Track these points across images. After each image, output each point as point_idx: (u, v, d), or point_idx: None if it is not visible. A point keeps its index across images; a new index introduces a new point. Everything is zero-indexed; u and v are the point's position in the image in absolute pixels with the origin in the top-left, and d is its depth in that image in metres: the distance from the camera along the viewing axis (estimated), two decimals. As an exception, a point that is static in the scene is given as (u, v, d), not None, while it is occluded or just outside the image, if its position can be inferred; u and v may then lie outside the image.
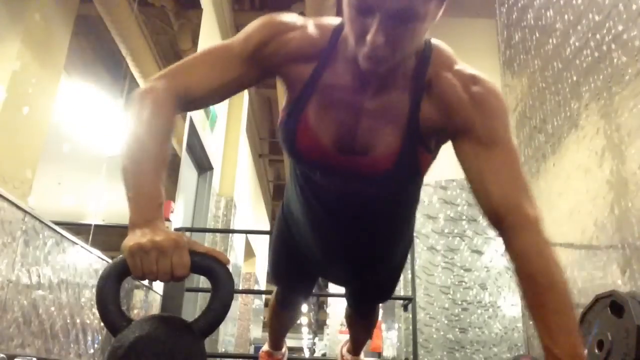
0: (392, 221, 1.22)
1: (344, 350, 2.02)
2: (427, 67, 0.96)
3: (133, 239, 0.80)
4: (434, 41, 0.99)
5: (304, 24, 1.01)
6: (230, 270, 0.88)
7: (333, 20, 1.03)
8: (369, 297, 1.57)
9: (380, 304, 2.10)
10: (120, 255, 0.83)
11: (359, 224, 1.16)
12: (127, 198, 0.86)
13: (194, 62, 1.01)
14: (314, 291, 1.82)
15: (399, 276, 1.50)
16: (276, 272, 1.55)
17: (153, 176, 0.87)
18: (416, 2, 0.81)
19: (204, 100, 1.01)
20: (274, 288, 1.67)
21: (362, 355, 2.01)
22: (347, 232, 1.18)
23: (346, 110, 0.99)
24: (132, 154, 0.89)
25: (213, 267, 0.85)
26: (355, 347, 1.96)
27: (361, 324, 1.78)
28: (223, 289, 0.84)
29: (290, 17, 1.02)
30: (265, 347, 1.98)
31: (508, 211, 0.91)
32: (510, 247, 0.91)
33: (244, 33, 1.02)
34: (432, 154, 1.03)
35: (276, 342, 1.93)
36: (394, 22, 0.82)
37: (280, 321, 1.80)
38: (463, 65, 0.98)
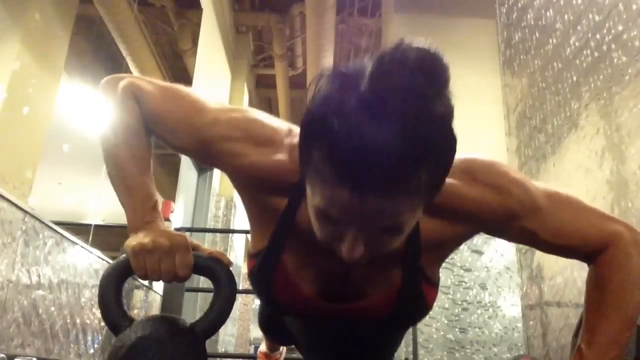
0: (384, 349, 1.12)
1: None
2: None
3: (136, 239, 0.80)
4: None
5: (276, 141, 0.82)
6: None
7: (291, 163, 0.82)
8: None
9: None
10: (123, 255, 0.83)
11: (345, 355, 1.05)
12: (121, 203, 0.85)
13: (159, 96, 0.88)
14: None
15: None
16: (262, 324, 1.44)
17: (139, 178, 0.85)
18: (401, 217, 0.65)
19: (162, 141, 0.91)
20: None
21: None
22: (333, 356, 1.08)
23: (331, 257, 0.74)
24: (112, 159, 0.86)
25: (215, 268, 0.84)
26: None
27: None
28: (225, 290, 0.84)
29: (266, 129, 0.83)
30: (263, 348, 1.98)
31: (592, 245, 0.84)
32: (595, 266, 0.85)
33: (217, 116, 0.84)
34: (435, 285, 0.92)
35: (272, 345, 1.94)
36: (374, 233, 0.66)
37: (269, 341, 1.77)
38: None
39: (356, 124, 0.57)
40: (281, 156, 0.80)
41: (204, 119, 0.84)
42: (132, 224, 0.83)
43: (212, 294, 0.86)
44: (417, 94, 0.59)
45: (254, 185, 0.84)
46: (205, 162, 0.89)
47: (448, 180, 0.74)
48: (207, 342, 0.84)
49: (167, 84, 0.93)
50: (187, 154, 0.94)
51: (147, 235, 0.80)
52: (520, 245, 2.34)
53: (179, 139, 0.87)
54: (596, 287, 0.84)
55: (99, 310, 0.85)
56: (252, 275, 0.91)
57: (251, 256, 0.92)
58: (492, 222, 0.84)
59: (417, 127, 0.58)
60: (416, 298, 0.87)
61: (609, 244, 0.83)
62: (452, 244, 0.89)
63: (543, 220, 0.82)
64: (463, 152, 0.81)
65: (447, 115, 0.62)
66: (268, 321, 1.37)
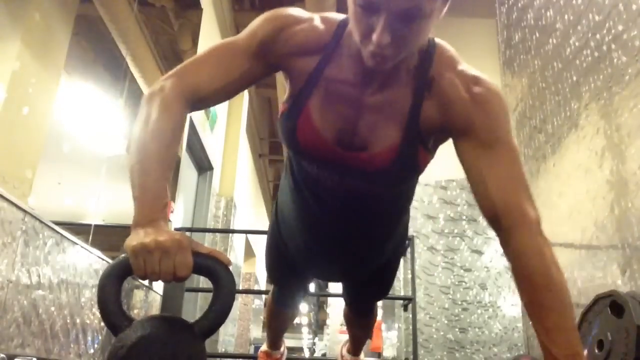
0: (385, 217, 1.22)
1: (344, 350, 2.02)
2: (430, 66, 0.96)
3: (136, 238, 0.80)
4: (438, 40, 0.99)
5: (308, 17, 1.02)
6: (231, 270, 0.88)
7: (338, 16, 1.03)
8: (366, 295, 1.57)
9: (380, 304, 2.09)
10: (123, 255, 0.83)
11: (352, 218, 1.16)
12: (133, 197, 0.86)
13: (200, 61, 1.01)
14: (314, 291, 1.83)
15: (393, 274, 1.50)
16: (271, 273, 1.56)
17: (158, 176, 0.87)
18: (422, 1, 0.81)
19: (212, 98, 1.01)
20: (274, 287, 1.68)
21: (362, 355, 2.01)
22: (340, 227, 1.18)
23: (347, 105, 0.98)
24: (138, 154, 0.89)
25: (215, 268, 0.84)
26: (354, 347, 1.96)
27: (359, 323, 1.78)
28: (225, 290, 0.84)
29: (294, 11, 1.02)
30: (264, 347, 1.98)
31: (507, 211, 0.91)
32: (508, 247, 0.92)
33: (249, 29, 1.03)
34: (431, 152, 1.03)
35: (274, 341, 1.94)
36: (400, 21, 0.82)
37: (277, 320, 1.80)
38: (466, 66, 0.98)
39: None
40: (314, 23, 1.00)
41: (243, 35, 1.02)
42: (136, 219, 0.84)
43: (212, 294, 0.86)
44: None
45: (297, 52, 0.99)
46: (259, 71, 1.02)
47: (460, 78, 0.95)
48: (207, 342, 0.84)
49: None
50: (236, 82, 1.01)
51: (148, 234, 0.80)
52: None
53: (231, 64, 0.99)
54: (527, 283, 0.88)
55: (99, 310, 0.85)
56: (282, 117, 1.04)
57: (284, 102, 1.05)
58: (462, 126, 0.95)
59: None
60: (410, 156, 0.99)
61: (520, 224, 0.90)
62: (444, 131, 0.99)
63: (494, 159, 0.93)
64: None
65: None
66: (277, 252, 1.44)
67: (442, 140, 1.03)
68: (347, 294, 1.62)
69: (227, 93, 1.02)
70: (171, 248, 0.79)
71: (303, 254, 1.32)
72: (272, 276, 1.57)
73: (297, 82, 1.02)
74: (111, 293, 0.83)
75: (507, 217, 0.91)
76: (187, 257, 0.81)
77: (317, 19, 1.01)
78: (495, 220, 0.93)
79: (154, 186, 0.86)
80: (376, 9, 0.82)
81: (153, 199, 0.85)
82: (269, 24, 1.01)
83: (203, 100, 1.00)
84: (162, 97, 0.94)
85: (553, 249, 0.89)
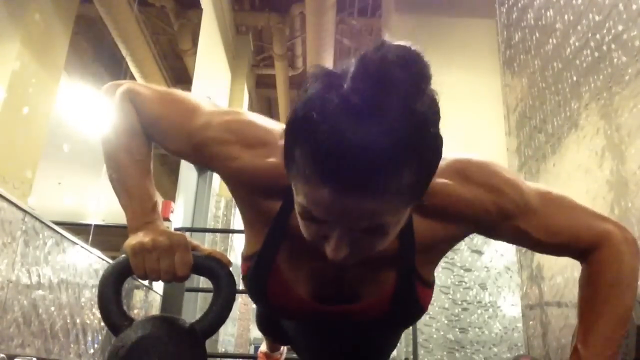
0: (383, 348, 1.12)
1: None
2: None
3: (135, 238, 0.81)
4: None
5: (269, 142, 0.81)
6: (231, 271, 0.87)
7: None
8: None
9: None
10: (123, 255, 0.83)
11: (338, 353, 1.05)
12: (121, 206, 0.86)
13: (165, 115, 0.89)
14: None
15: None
16: (259, 324, 1.46)
17: (137, 181, 0.86)
18: (385, 217, 0.64)
19: (157, 143, 0.92)
20: None
21: None
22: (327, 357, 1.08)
23: (324, 260, 0.73)
24: (112, 164, 0.88)
25: (215, 268, 0.85)
26: None
27: None
28: (225, 291, 0.84)
29: (259, 131, 0.83)
30: (263, 348, 1.98)
31: (584, 244, 0.86)
32: (587, 265, 0.86)
33: (209, 126, 0.84)
34: (431, 286, 0.92)
35: (272, 346, 1.94)
36: (359, 234, 0.66)
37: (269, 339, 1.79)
38: (444, 164, 0.77)
39: (337, 123, 0.57)
40: (274, 158, 0.79)
41: (197, 122, 0.84)
42: (131, 225, 0.84)
43: (212, 294, 0.86)
44: (398, 92, 0.59)
45: (248, 189, 0.84)
46: (200, 165, 0.91)
47: (441, 180, 0.77)
48: (207, 342, 0.84)
49: (164, 88, 0.94)
50: (182, 158, 0.95)
51: (147, 234, 0.81)
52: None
53: (174, 142, 0.89)
54: (589, 285, 0.85)
55: (99, 311, 0.85)
56: (246, 278, 0.91)
57: (245, 259, 0.93)
58: (484, 222, 0.83)
59: (399, 127, 0.58)
60: (411, 300, 0.87)
61: (601, 243, 0.84)
62: (445, 245, 0.88)
63: (536, 220, 0.83)
64: (460, 152, 0.83)
65: (431, 114, 0.62)
66: (266, 322, 1.37)
67: (444, 253, 0.91)
68: None
69: (163, 147, 0.92)
70: (170, 247, 0.79)
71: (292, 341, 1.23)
72: (260, 324, 1.47)
73: (258, 228, 0.86)
74: (111, 293, 0.83)
75: (587, 246, 0.86)
76: (187, 256, 0.80)
77: (277, 149, 0.76)
78: (578, 254, 0.87)
79: (137, 192, 0.86)
80: (326, 223, 0.66)
81: (140, 203, 0.85)
82: (226, 139, 0.82)
83: (149, 137, 0.92)
84: (132, 100, 0.90)
85: (634, 262, 0.85)
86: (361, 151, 0.57)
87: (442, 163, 0.73)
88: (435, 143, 0.63)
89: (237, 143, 0.82)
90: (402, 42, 0.62)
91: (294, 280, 0.87)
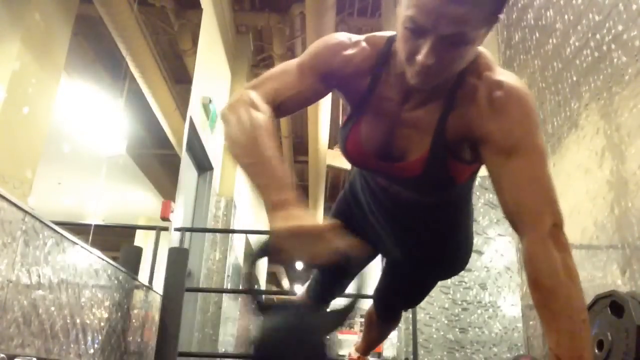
0: (432, 224, 1.29)
1: (354, 350, 2.03)
2: (464, 79, 0.99)
3: (282, 221, 0.83)
4: (480, 50, 0.99)
5: (357, 41, 1.09)
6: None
7: (384, 34, 1.10)
8: (402, 297, 1.60)
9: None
10: (267, 237, 0.84)
11: (402, 222, 1.27)
12: (260, 188, 0.90)
13: (273, 74, 1.11)
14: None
15: (431, 286, 1.58)
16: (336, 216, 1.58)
17: (278, 161, 0.93)
18: (468, 28, 0.85)
19: (289, 104, 1.08)
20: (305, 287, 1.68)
21: (368, 357, 2.01)
22: (394, 226, 1.30)
23: (388, 120, 1.07)
24: (250, 150, 0.94)
25: (353, 257, 0.86)
26: (366, 347, 1.96)
27: (381, 328, 1.80)
28: (362, 277, 0.91)
29: (344, 37, 1.10)
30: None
31: (520, 217, 0.93)
32: (523, 251, 0.93)
33: (310, 53, 1.11)
34: (467, 163, 1.06)
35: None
36: (445, 45, 0.86)
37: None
38: (496, 70, 0.99)
39: None
40: (362, 46, 1.07)
41: (305, 58, 1.10)
42: (274, 201, 0.87)
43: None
44: None
45: (351, 76, 1.07)
46: (321, 86, 1.10)
47: (479, 87, 0.96)
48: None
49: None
50: (307, 93, 1.10)
51: (293, 218, 0.83)
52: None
53: (299, 80, 1.07)
54: (531, 283, 0.90)
55: (247, 292, 0.86)
56: (341, 127, 1.16)
57: (345, 116, 1.20)
58: (490, 134, 0.96)
59: None
60: (439, 166, 1.03)
61: (536, 230, 0.90)
62: (475, 136, 1.00)
63: (518, 167, 0.93)
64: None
65: None
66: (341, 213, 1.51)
67: (474, 148, 1.03)
68: (383, 296, 1.64)
69: (300, 101, 1.10)
70: (318, 234, 0.83)
71: (367, 222, 1.39)
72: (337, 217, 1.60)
73: (352, 101, 1.12)
74: (255, 274, 0.85)
75: (521, 222, 0.92)
76: (330, 244, 0.84)
77: (364, 42, 1.09)
78: (513, 226, 0.95)
79: (279, 169, 0.91)
80: (423, 33, 0.86)
81: (282, 179, 0.90)
82: (325, 52, 1.09)
83: (281, 105, 1.06)
84: (246, 101, 1.01)
85: (568, 254, 0.88)
86: None
87: (496, 70, 0.98)
88: None
89: (337, 55, 1.07)
90: None
91: (364, 138, 1.10)
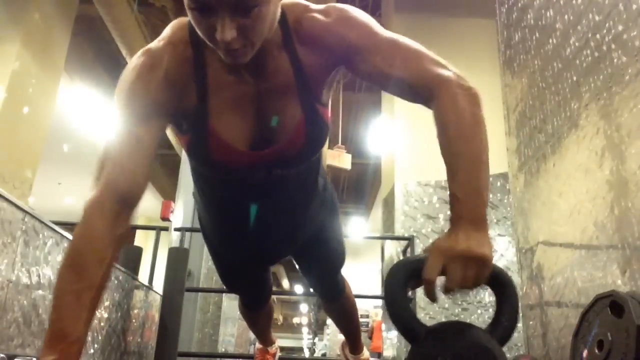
0: (302, 189, 1.23)
1: (346, 351, 2.02)
2: (289, 27, 0.98)
3: (448, 242, 0.82)
4: (285, 3, 1.00)
5: (159, 48, 0.98)
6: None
7: (184, 20, 1.00)
8: (320, 268, 1.58)
9: (380, 304, 2.09)
10: (413, 256, 0.82)
11: (274, 203, 1.17)
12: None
13: (109, 154, 0.96)
14: (314, 291, 1.83)
15: (334, 238, 1.51)
16: (225, 281, 1.60)
17: (70, 310, 0.83)
18: None
19: (140, 179, 0.96)
20: None
21: (364, 351, 2.00)
22: (265, 214, 1.19)
23: (241, 103, 0.99)
24: (56, 286, 0.86)
25: (502, 278, 0.84)
26: (352, 343, 1.95)
27: (338, 310, 1.78)
28: (513, 298, 0.84)
29: (143, 58, 0.98)
30: (258, 345, 2.01)
31: (422, 83, 0.95)
32: (433, 113, 0.95)
33: (123, 105, 0.97)
34: (327, 105, 1.06)
35: (264, 339, 1.97)
36: (239, 14, 0.81)
37: (256, 322, 1.82)
38: (313, 5, 1.01)
39: None
40: (167, 49, 0.97)
41: (122, 110, 1.01)
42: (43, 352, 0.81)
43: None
44: None
45: (173, 85, 0.96)
46: (152, 128, 0.98)
47: (312, 14, 0.98)
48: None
49: None
50: (145, 154, 0.98)
51: (462, 240, 0.81)
52: (521, 245, 2.34)
53: (128, 155, 0.97)
54: (439, 135, 0.93)
55: (391, 317, 0.80)
56: (191, 148, 1.02)
57: (184, 134, 1.02)
58: (341, 50, 0.98)
59: None
60: (319, 122, 1.02)
61: (438, 88, 0.94)
62: (328, 71, 1.02)
63: (381, 54, 0.96)
64: None
65: None
66: (227, 271, 1.51)
67: (332, 82, 1.06)
68: (310, 281, 1.65)
69: (145, 166, 0.96)
70: (478, 258, 0.81)
71: (237, 246, 1.34)
72: (227, 283, 1.61)
73: (188, 107, 0.98)
74: (403, 295, 0.80)
75: (423, 87, 0.95)
76: (487, 270, 0.82)
77: (166, 43, 0.98)
78: (421, 98, 0.97)
79: (61, 322, 0.83)
80: (209, 9, 0.81)
81: (57, 336, 0.81)
82: (129, 87, 0.96)
83: (130, 190, 0.94)
84: (85, 214, 0.91)
85: (475, 108, 0.93)
86: None
87: (319, 5, 0.99)
88: None
89: (147, 76, 0.96)
90: None
91: (229, 136, 0.99)
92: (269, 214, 1.19)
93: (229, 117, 0.99)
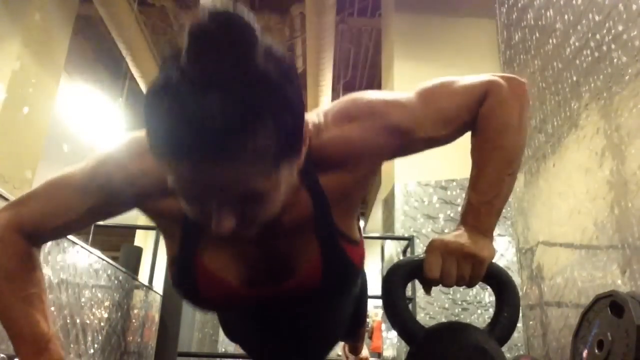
0: (335, 320, 1.13)
1: (347, 351, 2.03)
2: (310, 158, 0.76)
3: (442, 237, 0.80)
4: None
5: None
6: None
7: None
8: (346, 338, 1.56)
9: (380, 304, 2.10)
10: (411, 256, 0.81)
11: (293, 334, 1.02)
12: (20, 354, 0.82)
13: (46, 193, 0.86)
14: None
15: (361, 315, 1.43)
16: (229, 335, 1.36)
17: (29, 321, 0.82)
18: (256, 182, 0.63)
19: (56, 233, 0.89)
20: None
21: (365, 349, 2.01)
22: (282, 341, 1.04)
23: (242, 240, 0.76)
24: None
25: (502, 277, 0.84)
26: (352, 344, 1.97)
27: (352, 341, 1.80)
28: (513, 298, 0.83)
29: (129, 147, 0.81)
30: None
31: (474, 114, 0.86)
32: (478, 115, 0.86)
33: (98, 164, 0.83)
34: (358, 244, 0.88)
35: None
36: (238, 205, 0.65)
37: None
38: (321, 117, 0.81)
39: (179, 96, 0.58)
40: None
41: (80, 173, 0.85)
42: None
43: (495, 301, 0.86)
44: (230, 58, 0.59)
45: (148, 196, 0.80)
46: (110, 207, 0.85)
47: (331, 131, 0.78)
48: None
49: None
50: (82, 219, 0.86)
51: (459, 238, 0.80)
52: (521, 245, 2.34)
53: (66, 206, 0.85)
54: (479, 133, 0.86)
55: (389, 318, 0.78)
56: (175, 283, 0.87)
57: (170, 266, 0.87)
58: (387, 149, 0.82)
59: (237, 91, 0.58)
60: (341, 260, 0.84)
61: (486, 96, 0.85)
62: (357, 190, 0.85)
63: (429, 122, 0.83)
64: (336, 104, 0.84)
65: (276, 73, 0.61)
66: (232, 326, 1.27)
67: (360, 199, 0.89)
68: None
69: (72, 228, 0.88)
70: (472, 254, 0.79)
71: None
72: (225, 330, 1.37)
73: (173, 229, 0.83)
74: (401, 296, 0.79)
75: (477, 106, 0.86)
76: (483, 267, 0.81)
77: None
78: (475, 126, 0.87)
79: (29, 332, 0.82)
80: (202, 199, 0.65)
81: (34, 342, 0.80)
82: (125, 165, 0.80)
83: (43, 236, 0.88)
84: None
85: (520, 105, 0.87)
86: (205, 120, 0.57)
87: (329, 112, 0.80)
88: (287, 98, 0.63)
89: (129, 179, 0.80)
90: (220, 7, 0.61)
91: (222, 270, 0.83)
92: (295, 342, 1.04)
93: (221, 251, 0.83)
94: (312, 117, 0.80)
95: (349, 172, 0.80)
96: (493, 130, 0.85)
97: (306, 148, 0.71)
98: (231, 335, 1.27)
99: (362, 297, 1.35)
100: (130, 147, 0.81)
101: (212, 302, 0.88)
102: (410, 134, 0.81)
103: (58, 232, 0.88)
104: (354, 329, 1.58)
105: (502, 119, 0.85)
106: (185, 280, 0.84)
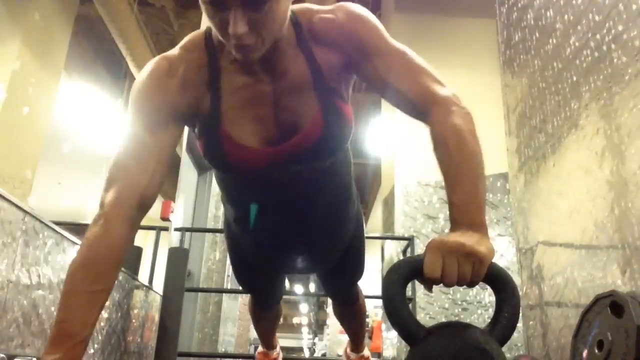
0: (331, 195, 1.21)
1: (348, 350, 2.03)
2: (302, 28, 1.01)
3: (442, 237, 0.82)
4: (295, 9, 1.03)
5: (175, 55, 1.02)
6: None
7: (201, 30, 1.05)
8: (340, 282, 1.59)
9: (380, 304, 2.10)
10: (410, 256, 0.82)
11: (299, 208, 1.15)
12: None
13: (120, 162, 0.95)
14: (313, 291, 1.84)
15: (359, 257, 1.50)
16: (240, 279, 1.58)
17: (67, 324, 0.87)
18: None
19: (153, 186, 0.96)
20: None
21: (365, 349, 2.01)
22: (290, 220, 1.17)
23: (256, 103, 1.01)
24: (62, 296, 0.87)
25: (502, 277, 0.84)
26: (355, 343, 1.96)
27: (348, 313, 1.79)
28: (513, 298, 0.83)
29: (159, 63, 1.01)
30: (260, 348, 2.00)
31: (418, 98, 0.98)
32: (430, 129, 0.97)
33: (137, 110, 0.99)
34: (348, 102, 1.07)
35: (267, 342, 1.96)
36: (250, 9, 0.85)
37: (263, 323, 1.82)
38: (322, 8, 1.04)
39: None
40: (182, 56, 1.01)
41: (134, 116, 1.02)
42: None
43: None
44: None
45: (187, 90, 0.99)
46: (167, 134, 1.00)
47: (324, 14, 1.02)
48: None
49: None
50: (164, 157, 1.02)
51: (458, 237, 0.82)
52: (521, 245, 2.34)
53: (140, 161, 0.98)
54: (439, 146, 0.95)
55: (389, 318, 0.78)
56: (206, 152, 1.03)
57: (199, 137, 1.04)
58: (353, 52, 1.01)
59: None
60: (337, 114, 1.02)
61: (437, 104, 0.96)
62: (345, 67, 1.04)
63: (388, 63, 1.00)
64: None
65: None
66: (242, 266, 1.49)
67: (350, 82, 1.08)
68: (325, 287, 1.65)
69: (162, 171, 0.98)
70: (472, 253, 0.80)
71: (262, 252, 1.33)
72: (241, 280, 1.59)
73: (203, 112, 1.01)
74: (401, 296, 0.79)
75: (421, 102, 0.98)
76: (484, 267, 0.82)
77: (182, 50, 1.03)
78: (416, 112, 1.00)
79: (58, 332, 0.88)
80: (223, 4, 0.84)
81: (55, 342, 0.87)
82: (145, 92, 0.98)
83: (145, 194, 0.94)
84: (96, 219, 0.90)
85: (469, 125, 0.96)
86: None
87: (331, 7, 1.03)
88: None
89: (159, 83, 0.99)
90: None
91: (243, 136, 1.01)
92: (300, 222, 1.18)
93: (244, 119, 1.01)
94: (313, 4, 1.04)
95: (336, 52, 1.01)
96: (450, 137, 0.94)
97: None
98: (244, 265, 1.45)
99: (359, 226, 1.43)
100: (146, 68, 1.00)
101: (237, 165, 1.03)
102: (371, 57, 1.01)
103: (157, 177, 0.97)
104: (352, 280, 1.58)
105: (453, 127, 0.94)
106: (214, 148, 1.01)
